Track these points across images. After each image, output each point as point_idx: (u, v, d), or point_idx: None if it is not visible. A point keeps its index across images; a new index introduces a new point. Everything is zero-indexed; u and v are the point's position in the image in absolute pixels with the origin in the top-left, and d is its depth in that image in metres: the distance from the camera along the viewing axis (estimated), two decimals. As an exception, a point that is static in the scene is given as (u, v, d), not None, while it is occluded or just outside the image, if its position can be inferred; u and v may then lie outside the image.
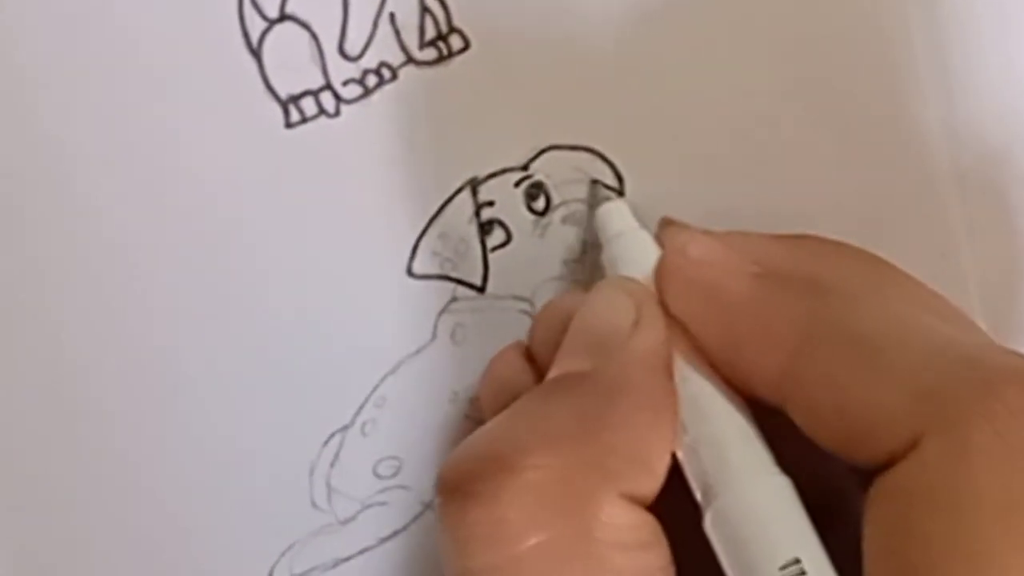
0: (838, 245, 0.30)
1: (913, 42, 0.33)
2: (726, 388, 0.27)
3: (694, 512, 0.26)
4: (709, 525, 0.25)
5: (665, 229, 0.31)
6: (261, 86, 0.29)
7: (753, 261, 0.28)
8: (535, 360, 0.30)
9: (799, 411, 0.25)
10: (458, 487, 0.25)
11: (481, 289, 0.32)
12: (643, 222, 0.31)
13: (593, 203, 0.32)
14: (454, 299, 0.32)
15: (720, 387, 0.27)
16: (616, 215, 0.31)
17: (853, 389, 0.24)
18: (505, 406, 0.27)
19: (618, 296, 0.28)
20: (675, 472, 0.26)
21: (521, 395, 0.27)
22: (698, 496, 0.26)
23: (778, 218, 0.33)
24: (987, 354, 0.24)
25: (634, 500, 0.25)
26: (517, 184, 0.32)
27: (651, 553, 0.25)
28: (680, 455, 0.26)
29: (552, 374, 0.27)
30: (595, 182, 0.32)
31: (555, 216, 0.32)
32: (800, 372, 0.25)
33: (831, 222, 0.34)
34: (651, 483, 0.26)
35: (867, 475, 0.24)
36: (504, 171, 0.31)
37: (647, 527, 0.25)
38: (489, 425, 0.27)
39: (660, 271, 0.29)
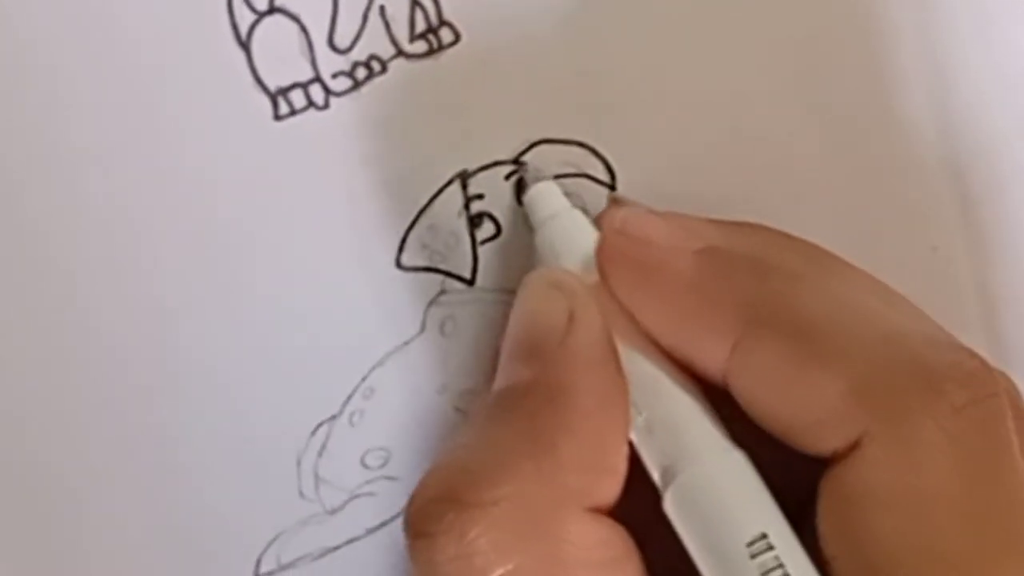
0: (786, 237, 0.29)
1: (904, 36, 0.33)
2: (675, 368, 0.26)
3: (653, 498, 0.25)
4: (669, 506, 0.25)
5: (608, 208, 0.30)
6: (250, 78, 0.29)
7: (697, 240, 0.27)
8: None
9: (743, 396, 0.25)
10: (422, 530, 0.25)
11: (470, 282, 0.32)
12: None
13: (523, 187, 0.31)
14: (443, 291, 0.32)
15: (670, 367, 0.26)
16: (548, 196, 0.30)
17: (795, 378, 0.24)
18: None
19: (547, 292, 0.27)
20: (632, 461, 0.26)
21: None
22: (656, 478, 0.25)
23: (770, 212, 0.33)
24: (931, 347, 0.24)
25: (600, 510, 0.25)
26: (507, 177, 0.32)
27: (622, 568, 0.25)
28: (634, 438, 0.26)
29: (496, 386, 0.27)
30: (523, 163, 0.31)
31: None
32: (744, 356, 0.25)
33: (823, 217, 0.34)
34: (613, 485, 0.25)
35: (817, 464, 0.24)
36: (495, 164, 0.31)
37: (616, 540, 0.25)
38: (443, 458, 0.26)
39: (599, 252, 0.28)
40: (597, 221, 0.30)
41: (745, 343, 0.25)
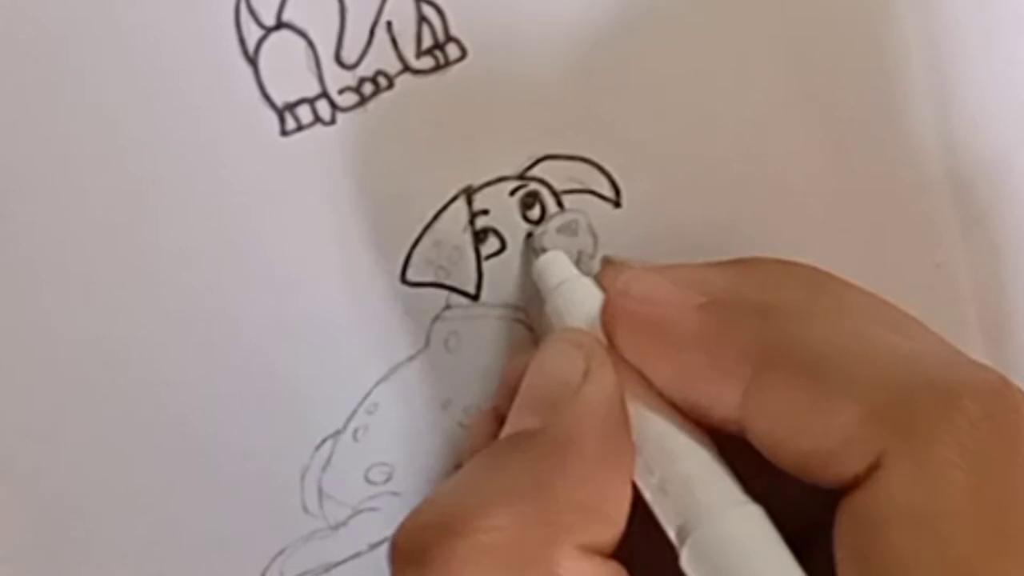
0: (783, 265, 0.29)
1: (909, 53, 0.33)
2: (686, 424, 0.26)
3: (671, 556, 0.25)
4: (686, 563, 0.25)
5: (605, 270, 0.30)
6: (257, 93, 0.29)
7: (697, 292, 0.27)
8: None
9: (760, 438, 0.25)
10: (410, 555, 0.25)
11: (475, 297, 0.32)
12: (640, 234, 0.32)
13: (529, 256, 0.32)
14: (448, 307, 0.32)
15: (680, 423, 0.26)
16: (555, 265, 0.31)
17: (810, 411, 0.24)
18: None
19: (565, 349, 0.28)
20: (648, 518, 0.26)
21: None
22: (672, 536, 0.25)
23: (774, 228, 0.33)
24: (945, 366, 0.24)
25: (594, 550, 0.25)
26: (512, 193, 0.32)
27: None
28: (648, 497, 0.26)
29: (503, 433, 0.27)
30: (529, 235, 0.32)
31: (550, 225, 0.32)
32: (757, 399, 0.25)
33: (827, 233, 0.34)
34: (610, 532, 0.25)
35: (835, 495, 0.23)
36: (500, 180, 0.31)
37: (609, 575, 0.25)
38: (439, 489, 0.26)
39: (605, 314, 0.28)
40: (599, 283, 0.30)
41: (757, 385, 0.25)
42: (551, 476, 0.25)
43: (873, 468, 0.22)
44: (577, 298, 0.29)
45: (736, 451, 0.26)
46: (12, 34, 0.27)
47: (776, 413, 0.24)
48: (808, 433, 0.24)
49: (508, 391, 0.30)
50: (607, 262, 0.31)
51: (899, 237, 0.34)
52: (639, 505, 0.26)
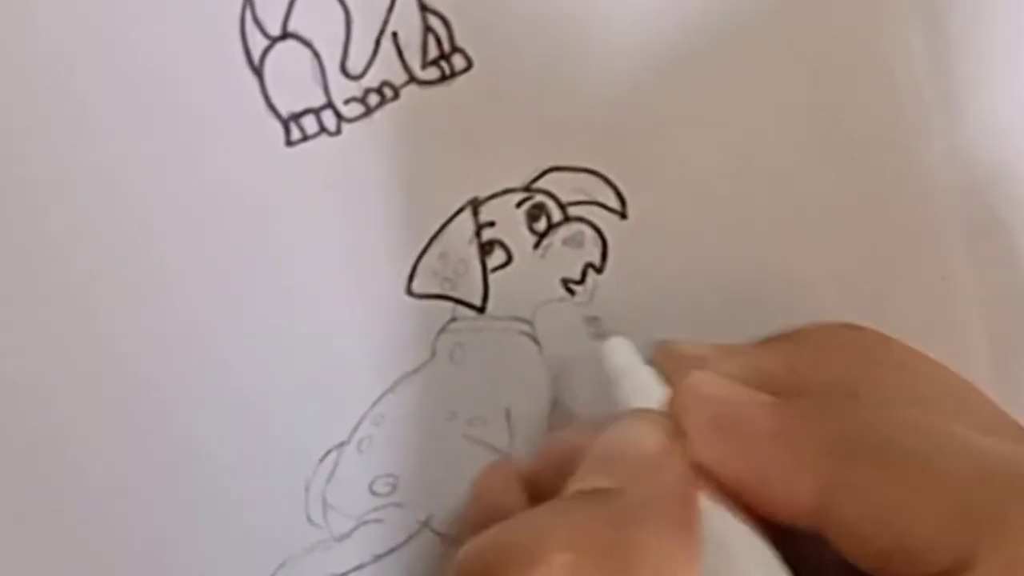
0: (833, 336, 0.29)
1: (915, 67, 0.33)
2: (749, 526, 0.26)
3: None
4: None
5: (665, 359, 0.30)
6: (262, 104, 0.29)
7: (761, 383, 0.27)
8: (536, 487, 0.30)
9: (840, 533, 0.25)
10: (478, 574, 0.24)
11: (481, 309, 0.32)
12: (646, 245, 0.31)
13: (594, 338, 0.32)
14: (453, 319, 0.32)
15: (744, 524, 0.26)
16: (617, 353, 0.31)
17: (895, 507, 0.24)
18: (491, 525, 0.26)
19: (647, 425, 0.28)
20: None
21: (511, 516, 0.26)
22: None
23: (780, 240, 0.33)
24: None
25: None
26: (519, 205, 0.32)
27: None
28: None
29: (576, 487, 0.27)
30: (593, 319, 0.32)
31: (556, 237, 0.32)
32: (837, 497, 0.25)
33: (832, 243, 0.34)
34: None
35: None
36: (506, 191, 0.31)
37: None
38: (515, 519, 0.26)
39: (676, 410, 0.28)
40: (657, 367, 0.30)
41: (836, 479, 0.25)
42: (626, 533, 0.25)
43: (962, 567, 0.22)
44: (641, 388, 0.29)
45: (796, 548, 0.26)
46: (17, 46, 0.27)
47: (859, 509, 0.24)
48: (894, 530, 0.24)
49: (552, 460, 0.30)
50: (662, 349, 0.31)
51: (905, 250, 0.34)
52: None
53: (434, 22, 0.30)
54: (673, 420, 0.28)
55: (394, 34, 0.30)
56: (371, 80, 0.30)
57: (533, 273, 0.32)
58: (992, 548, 0.22)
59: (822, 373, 0.27)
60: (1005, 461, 0.24)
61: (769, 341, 0.29)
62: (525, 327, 0.32)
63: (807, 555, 0.26)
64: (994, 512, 0.23)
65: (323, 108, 0.29)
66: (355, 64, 0.29)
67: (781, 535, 0.26)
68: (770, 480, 0.26)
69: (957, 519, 0.23)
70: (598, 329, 0.32)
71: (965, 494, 0.23)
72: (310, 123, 0.29)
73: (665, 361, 0.30)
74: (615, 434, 0.28)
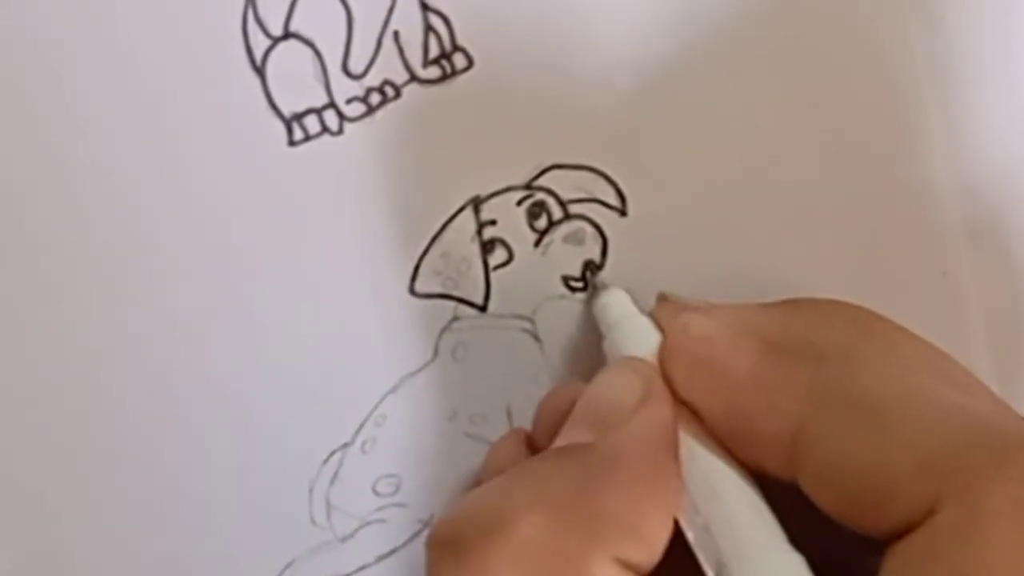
0: (832, 305, 0.29)
1: (915, 64, 0.33)
2: (736, 466, 0.27)
3: None
4: None
5: (662, 308, 0.30)
6: (264, 103, 0.29)
7: (752, 334, 0.27)
8: (536, 448, 0.30)
9: (810, 481, 0.25)
10: (449, 543, 0.25)
11: (483, 308, 0.32)
12: (646, 243, 0.32)
13: (593, 292, 0.32)
14: (455, 318, 0.32)
15: (730, 465, 0.27)
16: (615, 303, 0.31)
17: (863, 455, 0.24)
18: None
19: (626, 374, 0.28)
20: (687, 556, 0.26)
21: None
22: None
23: (780, 238, 0.33)
24: (998, 419, 0.24)
25: (628, 567, 0.25)
26: (520, 203, 0.32)
27: None
28: (691, 537, 0.26)
29: (555, 445, 0.27)
30: (592, 272, 0.32)
31: (557, 235, 0.32)
32: (808, 442, 0.25)
33: (834, 242, 0.34)
34: (646, 553, 0.25)
35: (879, 547, 0.23)
36: (507, 190, 0.31)
37: None
38: (484, 486, 0.27)
39: (664, 351, 0.29)
40: (654, 319, 0.30)
41: (809, 427, 0.25)
42: (595, 487, 0.25)
43: (925, 514, 0.23)
44: (636, 334, 0.30)
45: (782, 500, 0.26)
46: (20, 46, 0.27)
47: (829, 455, 0.25)
48: (861, 477, 0.24)
49: (544, 417, 0.30)
50: (663, 299, 0.31)
51: (905, 246, 0.34)
52: (682, 546, 0.26)
53: (435, 21, 0.30)
54: (660, 366, 0.28)
55: (395, 33, 0.30)
56: (373, 79, 0.30)
57: (534, 271, 0.32)
58: (955, 495, 0.22)
59: (815, 335, 0.28)
60: (972, 413, 0.24)
61: (766, 303, 0.29)
62: (527, 325, 0.32)
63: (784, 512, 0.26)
64: (958, 460, 0.23)
65: (325, 108, 0.29)
66: (357, 63, 0.29)
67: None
68: (747, 421, 0.26)
69: (923, 466, 0.23)
70: (597, 280, 0.32)
71: (931, 442, 0.23)
72: (312, 123, 0.29)
73: (662, 310, 0.30)
74: (594, 386, 0.28)
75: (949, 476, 0.23)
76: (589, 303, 0.32)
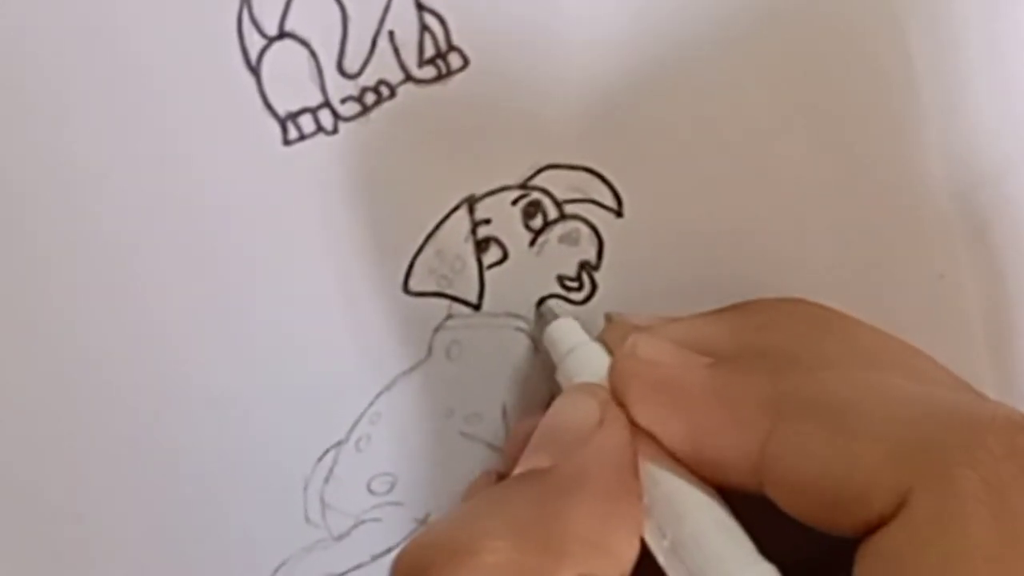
0: (782, 305, 0.29)
1: (913, 66, 0.33)
2: (699, 483, 0.26)
3: None
4: None
5: (610, 330, 0.30)
6: (259, 103, 0.29)
7: (703, 349, 0.27)
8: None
9: (778, 491, 0.25)
10: (414, 570, 0.25)
11: (477, 306, 0.32)
12: (642, 243, 0.32)
13: (542, 323, 0.32)
14: (450, 316, 0.32)
15: (692, 483, 0.26)
16: (566, 332, 0.31)
17: (831, 458, 0.24)
18: None
19: (582, 398, 0.28)
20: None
21: None
22: None
23: (777, 237, 0.33)
24: (966, 404, 0.24)
25: None
26: (515, 202, 0.32)
27: None
28: (662, 561, 0.26)
29: (515, 472, 0.27)
30: (542, 300, 0.32)
31: (552, 234, 0.32)
32: (774, 452, 0.25)
33: (830, 244, 0.34)
34: (614, 568, 0.25)
35: (852, 546, 0.23)
36: (502, 189, 0.31)
37: None
38: (446, 516, 0.27)
39: (614, 376, 0.28)
40: (604, 343, 0.30)
41: (776, 437, 0.25)
42: (558, 507, 0.25)
43: (898, 507, 0.22)
44: (588, 361, 0.30)
45: (749, 509, 0.26)
46: (14, 45, 0.27)
47: (797, 462, 0.24)
48: (831, 479, 0.24)
49: (511, 450, 0.30)
50: (608, 320, 0.31)
51: (902, 248, 0.34)
52: (655, 564, 0.26)
53: (430, 21, 0.30)
54: (612, 388, 0.28)
55: (391, 33, 0.30)
56: (368, 79, 0.30)
57: (529, 270, 0.32)
58: (928, 483, 0.22)
59: (765, 340, 0.27)
60: (939, 402, 0.24)
61: (716, 311, 0.29)
62: (521, 323, 0.32)
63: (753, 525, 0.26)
64: (928, 448, 0.23)
65: (320, 107, 0.30)
66: (352, 63, 0.30)
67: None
68: (710, 440, 0.26)
69: (892, 459, 0.23)
70: (544, 310, 0.32)
71: (899, 434, 0.23)
72: (307, 122, 0.30)
73: (610, 332, 0.30)
74: (551, 412, 0.28)
75: (920, 465, 0.22)
76: (539, 334, 0.32)
